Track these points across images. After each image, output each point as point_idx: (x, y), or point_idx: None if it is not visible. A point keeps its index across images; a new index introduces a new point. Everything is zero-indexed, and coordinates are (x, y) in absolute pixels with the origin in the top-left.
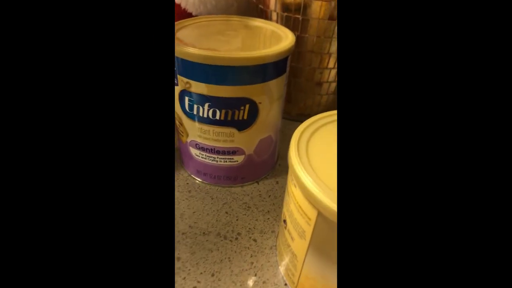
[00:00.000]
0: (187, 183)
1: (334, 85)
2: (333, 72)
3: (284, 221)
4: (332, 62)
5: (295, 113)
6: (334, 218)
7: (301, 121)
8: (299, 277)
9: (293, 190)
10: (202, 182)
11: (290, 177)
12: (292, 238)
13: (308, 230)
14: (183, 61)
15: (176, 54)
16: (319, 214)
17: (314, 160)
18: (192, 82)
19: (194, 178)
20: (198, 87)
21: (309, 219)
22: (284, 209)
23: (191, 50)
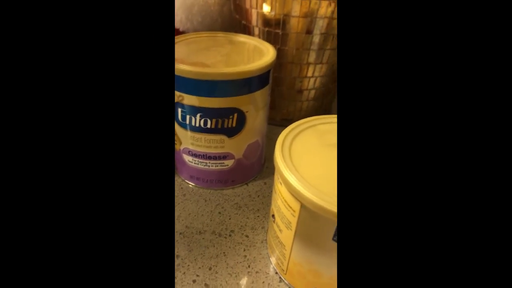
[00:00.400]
0: (181, 188)
1: (313, 92)
2: (312, 80)
3: (273, 215)
4: (310, 71)
5: (279, 118)
6: (315, 208)
7: (285, 126)
8: (287, 264)
9: (279, 188)
10: (195, 186)
11: (276, 176)
12: (280, 230)
13: (293, 221)
14: (177, 76)
15: None
16: (302, 206)
17: (296, 161)
18: (184, 95)
19: (187, 183)
20: (190, 100)
21: (294, 211)
22: (272, 206)
23: (184, 67)
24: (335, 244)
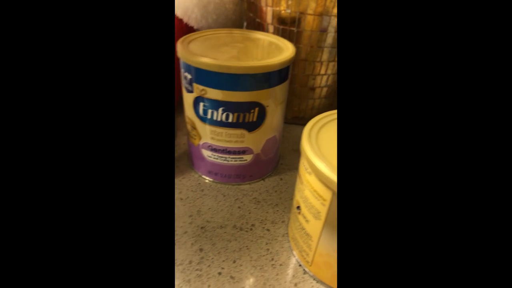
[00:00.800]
0: (199, 183)
1: (325, 89)
2: (325, 78)
3: (298, 207)
4: (323, 69)
5: (290, 116)
6: None
7: (296, 124)
8: (313, 255)
9: (307, 178)
10: (213, 182)
11: (302, 167)
12: (307, 221)
13: (323, 211)
14: (200, 70)
15: (193, 64)
16: (334, 194)
17: (324, 149)
18: (207, 89)
19: (204, 178)
20: (213, 93)
21: (324, 200)
22: (297, 197)
23: (208, 60)
24: None
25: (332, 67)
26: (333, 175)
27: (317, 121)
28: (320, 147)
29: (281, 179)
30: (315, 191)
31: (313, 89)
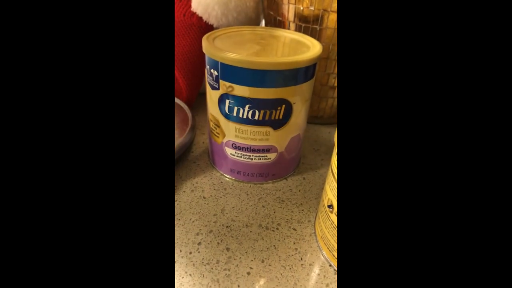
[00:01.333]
0: (221, 182)
1: None
2: None
3: (329, 206)
4: None
5: (309, 115)
6: None
7: (314, 123)
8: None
9: None
10: (235, 180)
11: (336, 164)
12: None
13: None
14: (226, 66)
15: (219, 59)
16: None
17: None
18: (234, 85)
19: (225, 177)
20: (240, 90)
21: None
22: (329, 196)
23: (235, 56)
24: None
25: None
26: None
27: None
28: None
29: (304, 178)
30: None
31: (333, 87)
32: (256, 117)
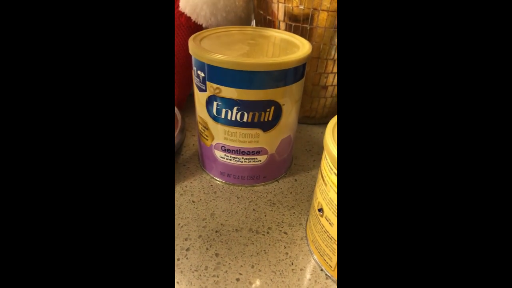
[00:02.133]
0: (211, 185)
1: (337, 88)
2: (336, 77)
3: (320, 210)
4: (336, 67)
5: (301, 115)
6: None
7: (306, 123)
8: (337, 260)
9: (332, 179)
10: (225, 183)
11: (326, 168)
12: (330, 224)
13: None
14: (213, 67)
15: (206, 61)
16: None
17: None
18: (222, 87)
19: (216, 180)
20: (228, 92)
21: None
22: (319, 199)
23: (222, 57)
24: None
25: None
26: None
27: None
28: None
29: (295, 180)
30: None
31: (325, 87)
32: (245, 119)
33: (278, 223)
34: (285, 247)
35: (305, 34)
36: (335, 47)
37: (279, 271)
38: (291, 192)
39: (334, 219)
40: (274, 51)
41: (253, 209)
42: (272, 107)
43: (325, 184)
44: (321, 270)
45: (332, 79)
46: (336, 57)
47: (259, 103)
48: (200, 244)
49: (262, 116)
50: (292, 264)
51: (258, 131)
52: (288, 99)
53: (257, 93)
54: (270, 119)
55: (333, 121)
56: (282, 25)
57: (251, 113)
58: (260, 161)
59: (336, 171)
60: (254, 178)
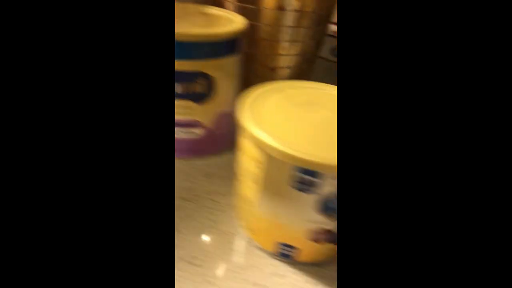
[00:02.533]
0: None
1: (287, 71)
2: (285, 59)
3: (241, 175)
4: (284, 49)
5: None
6: (279, 156)
7: None
8: (256, 222)
9: (244, 143)
10: None
11: (241, 134)
12: (247, 187)
13: (260, 173)
14: None
15: None
16: (267, 155)
17: (258, 116)
18: None
19: None
20: None
21: (260, 163)
22: (240, 165)
23: None
24: (295, 192)
25: (293, 48)
26: (266, 138)
27: (257, 90)
28: (254, 114)
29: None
30: (251, 155)
31: (274, 69)
32: (176, 90)
33: (209, 192)
34: (211, 213)
35: (254, 15)
36: (281, 29)
37: (204, 234)
38: (230, 166)
39: (249, 182)
40: (209, 26)
41: (187, 179)
42: (202, 79)
43: (240, 150)
44: (245, 234)
45: (280, 62)
46: (282, 38)
47: (186, 73)
48: None
49: (192, 87)
50: (217, 228)
51: (190, 103)
52: (221, 73)
53: (185, 64)
54: (200, 90)
55: (246, 93)
56: (231, 6)
57: (180, 84)
58: (198, 134)
59: (246, 135)
60: (191, 151)
